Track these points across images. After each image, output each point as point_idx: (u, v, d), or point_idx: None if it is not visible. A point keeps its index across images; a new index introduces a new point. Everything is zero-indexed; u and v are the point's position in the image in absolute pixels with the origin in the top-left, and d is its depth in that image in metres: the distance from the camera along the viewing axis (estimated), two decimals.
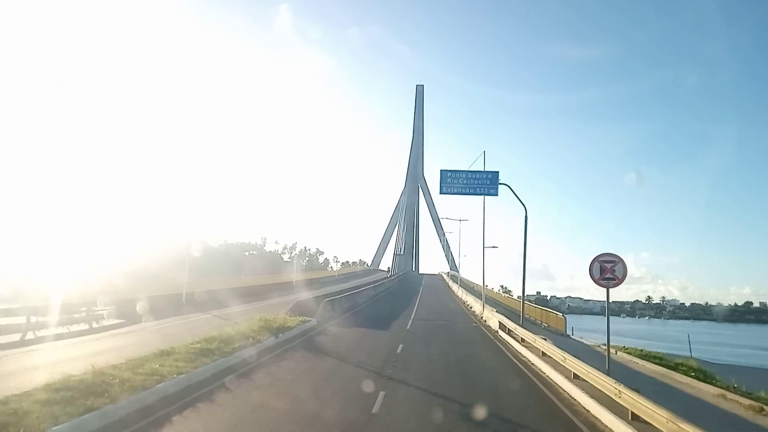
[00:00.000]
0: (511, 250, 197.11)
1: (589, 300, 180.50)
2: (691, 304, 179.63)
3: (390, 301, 49.31)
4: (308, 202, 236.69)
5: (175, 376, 12.00)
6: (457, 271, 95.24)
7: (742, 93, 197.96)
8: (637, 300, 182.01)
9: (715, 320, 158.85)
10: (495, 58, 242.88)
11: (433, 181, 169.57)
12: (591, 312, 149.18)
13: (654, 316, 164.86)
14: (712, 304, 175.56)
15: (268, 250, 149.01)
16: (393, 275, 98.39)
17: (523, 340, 23.37)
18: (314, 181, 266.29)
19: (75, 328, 21.00)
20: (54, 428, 8.04)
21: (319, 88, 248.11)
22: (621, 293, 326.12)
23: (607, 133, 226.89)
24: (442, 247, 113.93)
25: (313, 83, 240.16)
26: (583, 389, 13.47)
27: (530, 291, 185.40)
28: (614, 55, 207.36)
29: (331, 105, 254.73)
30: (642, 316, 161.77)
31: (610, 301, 16.12)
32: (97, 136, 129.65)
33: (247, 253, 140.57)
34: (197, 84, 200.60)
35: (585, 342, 29.45)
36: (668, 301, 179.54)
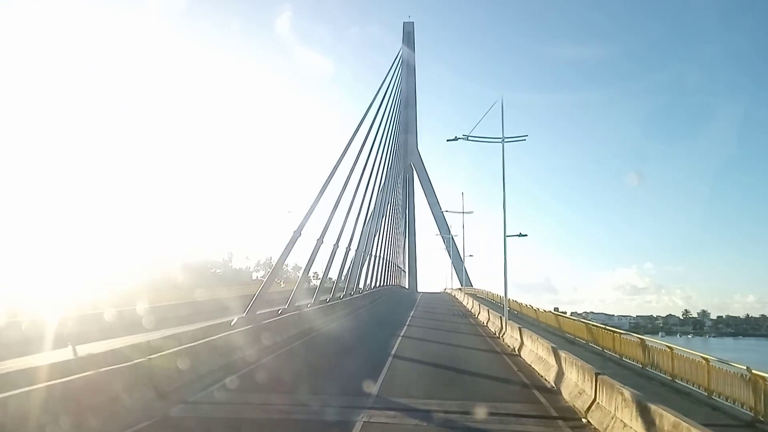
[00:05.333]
0: (516, 268, 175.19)
1: (613, 315, 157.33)
2: (727, 316, 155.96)
3: None
4: (296, 210, 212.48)
5: None
6: (471, 285, 71.01)
7: (743, 92, 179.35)
8: (670, 314, 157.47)
9: (765, 336, 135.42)
10: (494, 58, 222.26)
11: (431, 162, 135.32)
12: (619, 329, 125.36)
13: (695, 333, 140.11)
14: (755, 316, 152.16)
15: (236, 268, 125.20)
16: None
17: None
18: (302, 188, 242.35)
19: None
20: None
21: (314, 91, 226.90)
22: (625, 305, 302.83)
23: (606, 138, 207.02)
24: (448, 253, 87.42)
25: (309, 86, 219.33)
26: None
27: (544, 306, 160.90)
28: (612, 55, 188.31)
29: (325, 108, 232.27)
30: (684, 333, 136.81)
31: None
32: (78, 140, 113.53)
33: (211, 272, 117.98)
34: (189, 87, 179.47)
35: None
36: (705, 313, 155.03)
